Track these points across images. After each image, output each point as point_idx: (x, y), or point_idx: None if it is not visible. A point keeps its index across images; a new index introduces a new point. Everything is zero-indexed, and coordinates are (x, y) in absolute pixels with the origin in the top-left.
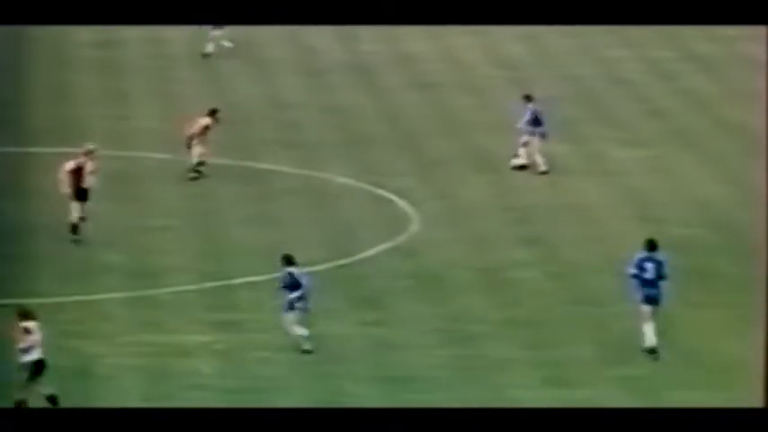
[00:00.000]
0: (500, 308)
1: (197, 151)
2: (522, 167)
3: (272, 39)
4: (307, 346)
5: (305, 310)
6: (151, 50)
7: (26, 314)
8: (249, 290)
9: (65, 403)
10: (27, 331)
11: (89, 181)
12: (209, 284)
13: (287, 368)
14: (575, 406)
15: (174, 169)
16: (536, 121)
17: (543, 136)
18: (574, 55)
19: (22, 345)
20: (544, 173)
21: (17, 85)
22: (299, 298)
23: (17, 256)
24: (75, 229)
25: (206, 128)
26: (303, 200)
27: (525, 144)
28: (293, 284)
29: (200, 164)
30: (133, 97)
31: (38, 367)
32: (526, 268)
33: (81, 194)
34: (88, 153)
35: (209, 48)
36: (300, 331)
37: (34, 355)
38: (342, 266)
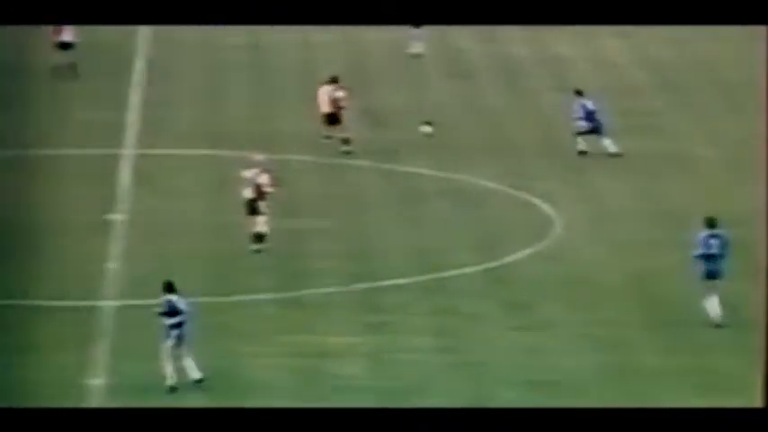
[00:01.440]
0: (648, 312)
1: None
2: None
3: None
4: (195, 375)
5: (181, 337)
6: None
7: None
8: (397, 292)
9: (216, 403)
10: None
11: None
12: (357, 286)
13: (435, 370)
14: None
15: (322, 171)
16: (589, 116)
17: (596, 130)
18: (722, 59)
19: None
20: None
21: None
22: (176, 325)
23: (170, 255)
24: (259, 238)
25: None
26: (449, 203)
27: (581, 134)
28: (172, 311)
29: (347, 140)
30: (280, 99)
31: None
32: (673, 272)
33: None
34: (258, 164)
35: (417, 48)
36: (172, 366)
37: None
38: (489, 270)
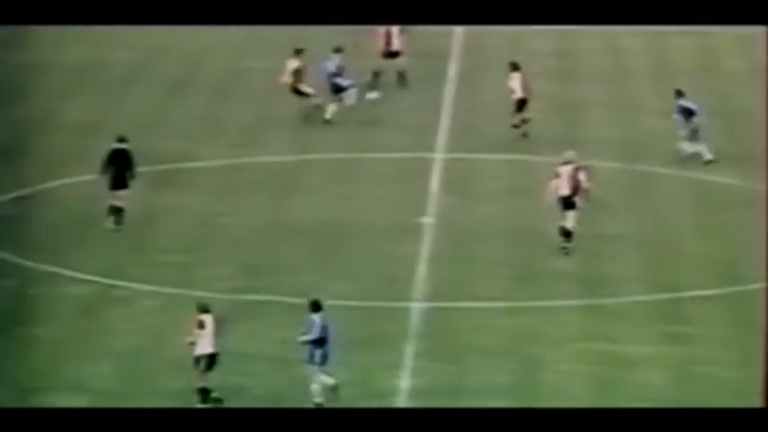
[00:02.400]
0: None
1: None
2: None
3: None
4: (318, 399)
5: (325, 356)
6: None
7: (203, 309)
8: (700, 303)
9: (521, 403)
10: (201, 325)
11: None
12: (659, 296)
13: (733, 384)
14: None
15: (625, 177)
16: (689, 114)
17: (695, 131)
18: None
19: (190, 338)
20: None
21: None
22: (319, 343)
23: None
24: (567, 235)
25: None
26: (751, 212)
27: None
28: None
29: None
30: (588, 104)
31: (210, 361)
32: None
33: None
34: (574, 161)
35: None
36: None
37: (207, 349)
38: None
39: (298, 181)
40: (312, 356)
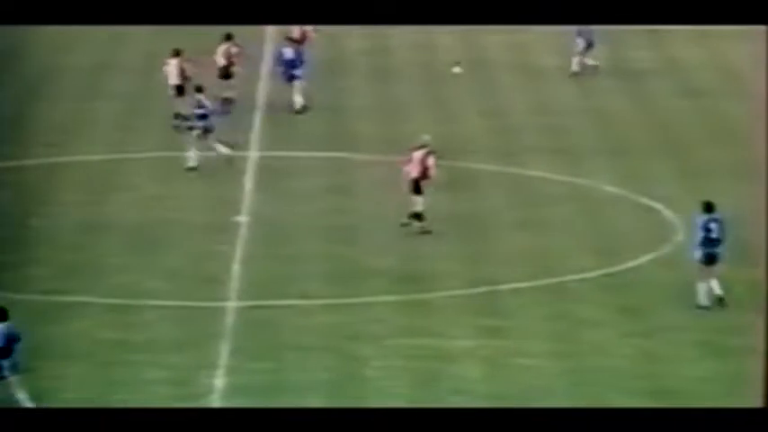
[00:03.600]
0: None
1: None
2: None
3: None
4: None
5: (9, 369)
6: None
7: None
8: (515, 296)
9: (336, 402)
10: None
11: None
12: (476, 290)
13: (550, 376)
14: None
15: (443, 174)
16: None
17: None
18: None
19: None
20: None
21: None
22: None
23: (288, 258)
24: (418, 217)
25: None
26: (570, 207)
27: None
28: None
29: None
30: (402, 102)
31: None
32: None
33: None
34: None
35: (575, 67)
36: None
37: None
38: (608, 275)
39: (112, 179)
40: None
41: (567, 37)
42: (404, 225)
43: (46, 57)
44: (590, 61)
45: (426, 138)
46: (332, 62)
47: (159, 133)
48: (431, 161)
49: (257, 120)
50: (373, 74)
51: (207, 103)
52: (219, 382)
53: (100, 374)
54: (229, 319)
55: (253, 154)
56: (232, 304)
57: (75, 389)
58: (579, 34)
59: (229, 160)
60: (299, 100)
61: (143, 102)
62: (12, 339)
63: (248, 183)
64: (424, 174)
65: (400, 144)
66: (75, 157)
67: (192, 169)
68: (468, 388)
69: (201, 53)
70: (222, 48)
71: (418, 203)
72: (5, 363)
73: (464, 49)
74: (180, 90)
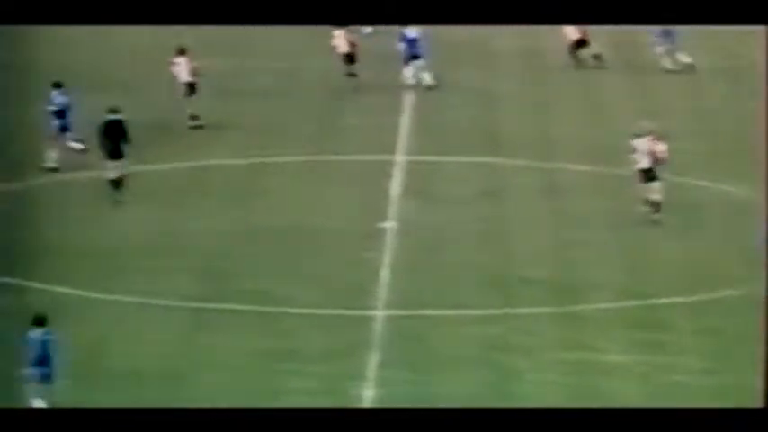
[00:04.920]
0: None
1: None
2: None
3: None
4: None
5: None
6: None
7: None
8: (671, 309)
9: None
10: None
11: None
12: (631, 302)
13: (704, 393)
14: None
15: (596, 183)
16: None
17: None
18: None
19: None
20: None
21: None
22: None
23: (438, 265)
24: (655, 205)
25: None
26: (725, 216)
27: None
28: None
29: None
30: (556, 104)
31: None
32: None
33: None
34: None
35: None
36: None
37: None
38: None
39: (256, 184)
40: (34, 376)
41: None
42: (645, 211)
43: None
44: (684, 58)
45: (647, 124)
46: (484, 64)
47: (307, 136)
48: (661, 146)
49: (404, 123)
50: (524, 75)
51: None
52: (368, 393)
53: (246, 383)
54: (377, 329)
55: (400, 158)
56: (380, 313)
57: (222, 397)
58: (664, 34)
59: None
60: (426, 77)
61: (290, 103)
62: (48, 346)
63: (396, 188)
64: (656, 160)
65: (552, 148)
66: (221, 161)
67: None
68: (622, 403)
69: None
70: (340, 32)
71: (654, 191)
72: (42, 371)
73: (614, 49)
74: (192, 88)
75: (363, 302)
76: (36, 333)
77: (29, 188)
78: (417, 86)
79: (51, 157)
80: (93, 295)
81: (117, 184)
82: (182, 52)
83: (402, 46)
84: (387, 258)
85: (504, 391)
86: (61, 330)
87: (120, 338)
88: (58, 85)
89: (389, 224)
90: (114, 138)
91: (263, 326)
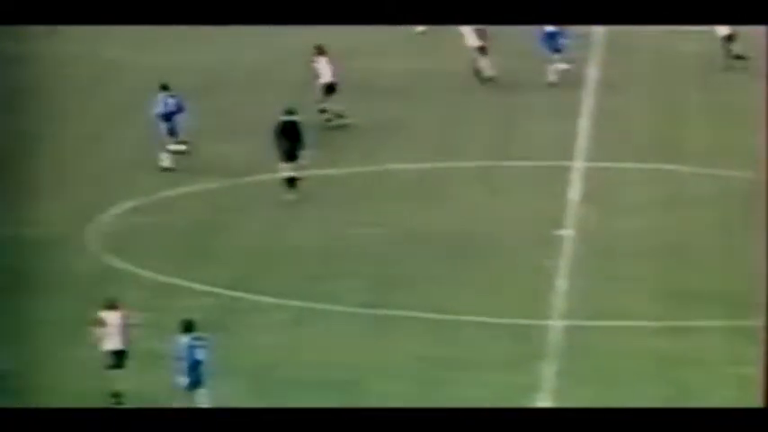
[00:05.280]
0: None
1: None
2: None
3: None
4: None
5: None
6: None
7: (109, 305)
8: None
9: None
10: (101, 323)
11: None
12: None
13: None
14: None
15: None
16: None
17: None
18: None
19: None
20: None
21: None
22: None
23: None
24: None
25: None
26: None
27: None
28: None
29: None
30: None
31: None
32: None
33: None
34: None
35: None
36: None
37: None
38: None
39: (431, 190)
40: (184, 382)
41: None
42: None
43: (359, 60)
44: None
45: None
46: (664, 68)
47: (483, 141)
48: None
49: (583, 127)
50: (703, 79)
51: None
52: (542, 404)
53: (420, 392)
54: (553, 339)
55: (578, 164)
56: (557, 323)
57: (394, 405)
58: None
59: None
60: (562, 66)
61: (468, 108)
62: (196, 352)
63: (573, 195)
64: None
65: (731, 155)
66: (394, 165)
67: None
68: None
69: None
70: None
71: None
72: (191, 377)
73: None
74: (331, 88)
75: (539, 312)
76: (184, 339)
77: (205, 191)
78: (590, 87)
79: (164, 157)
80: (266, 299)
81: (291, 183)
82: (321, 52)
83: (542, 39)
84: (563, 267)
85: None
86: (236, 336)
87: (293, 344)
88: (165, 88)
89: (566, 232)
90: (290, 138)
91: (436, 333)
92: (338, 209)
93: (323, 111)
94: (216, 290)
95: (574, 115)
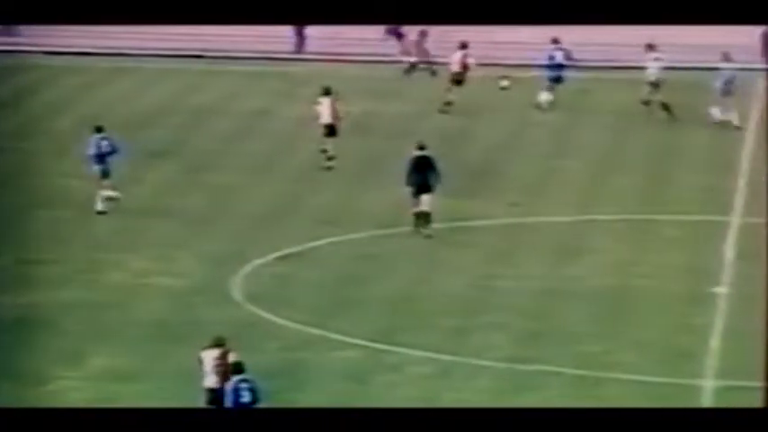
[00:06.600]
0: None
1: None
2: None
3: None
4: None
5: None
6: None
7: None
8: None
9: None
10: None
11: None
12: None
13: None
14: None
15: None
16: None
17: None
18: None
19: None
20: None
21: None
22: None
23: None
24: None
25: None
26: None
27: None
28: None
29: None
30: None
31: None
32: None
33: None
34: None
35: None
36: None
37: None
38: None
39: (580, 242)
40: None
41: None
42: None
43: (518, 111)
44: None
45: None
46: None
47: (631, 194)
48: None
49: (740, 183)
50: None
51: None
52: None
53: None
54: (705, 399)
55: (734, 220)
56: (709, 383)
57: None
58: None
59: None
60: (547, 98)
61: (615, 159)
62: (242, 394)
63: (729, 251)
64: None
65: None
66: (541, 218)
67: None
68: None
69: None
70: (458, 55)
71: None
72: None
73: None
74: (332, 130)
75: (691, 371)
76: (231, 381)
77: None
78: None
79: (100, 197)
80: (405, 351)
81: (424, 218)
82: (326, 93)
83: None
84: (718, 325)
85: None
86: (374, 388)
87: (429, 397)
88: (99, 130)
89: (721, 289)
90: (422, 172)
91: (581, 390)
92: (484, 259)
93: (324, 151)
94: (357, 341)
95: (729, 167)
